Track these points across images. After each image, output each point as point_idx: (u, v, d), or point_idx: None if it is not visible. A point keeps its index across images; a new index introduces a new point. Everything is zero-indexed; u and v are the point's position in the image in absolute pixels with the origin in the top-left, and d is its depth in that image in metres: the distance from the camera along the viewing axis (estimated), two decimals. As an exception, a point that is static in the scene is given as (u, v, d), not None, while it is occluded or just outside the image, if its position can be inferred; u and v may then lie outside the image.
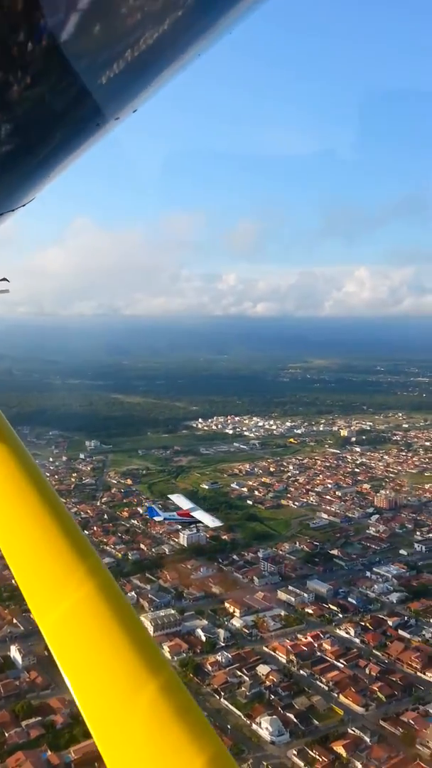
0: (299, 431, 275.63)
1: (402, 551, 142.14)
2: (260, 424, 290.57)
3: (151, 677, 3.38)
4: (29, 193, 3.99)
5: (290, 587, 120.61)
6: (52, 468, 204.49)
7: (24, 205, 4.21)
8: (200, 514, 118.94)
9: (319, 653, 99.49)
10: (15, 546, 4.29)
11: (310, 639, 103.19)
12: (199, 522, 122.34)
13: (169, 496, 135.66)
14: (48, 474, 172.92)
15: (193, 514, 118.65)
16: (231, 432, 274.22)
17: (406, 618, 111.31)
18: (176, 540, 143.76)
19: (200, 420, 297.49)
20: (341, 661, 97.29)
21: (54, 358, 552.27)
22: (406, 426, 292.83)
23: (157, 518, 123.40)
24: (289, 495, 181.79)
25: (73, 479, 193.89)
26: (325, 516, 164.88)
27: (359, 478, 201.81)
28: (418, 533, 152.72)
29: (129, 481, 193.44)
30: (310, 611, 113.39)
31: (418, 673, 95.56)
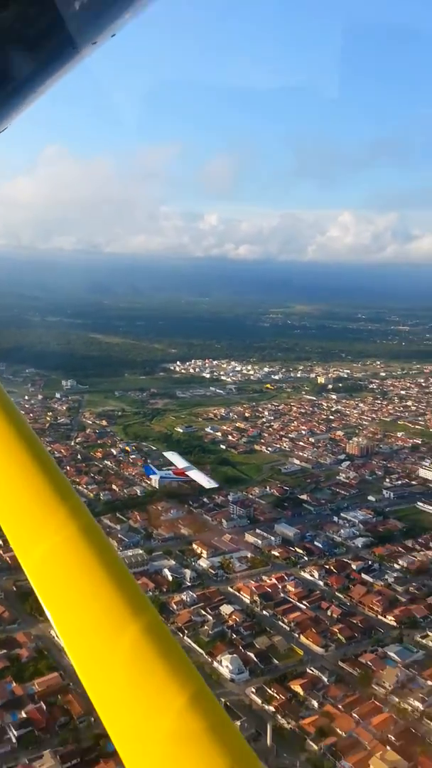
0: (277, 377, 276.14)
1: (370, 497, 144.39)
2: (238, 368, 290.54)
3: (134, 618, 3.47)
4: (3, 121, 3.88)
5: (258, 530, 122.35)
6: (27, 406, 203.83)
7: None
8: (195, 474, 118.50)
9: (282, 594, 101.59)
10: None
11: (274, 581, 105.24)
12: (194, 481, 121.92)
13: (164, 453, 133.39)
14: (23, 412, 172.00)
15: (188, 473, 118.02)
16: (208, 376, 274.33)
17: (370, 562, 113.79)
18: (148, 482, 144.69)
19: (178, 363, 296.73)
20: (304, 602, 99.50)
21: (33, 294, 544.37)
22: (383, 374, 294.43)
23: (153, 476, 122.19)
24: (262, 440, 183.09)
25: (48, 418, 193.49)
26: (297, 462, 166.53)
27: (333, 425, 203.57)
28: (387, 480, 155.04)
29: (104, 422, 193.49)
30: (277, 554, 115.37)
31: (379, 617, 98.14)
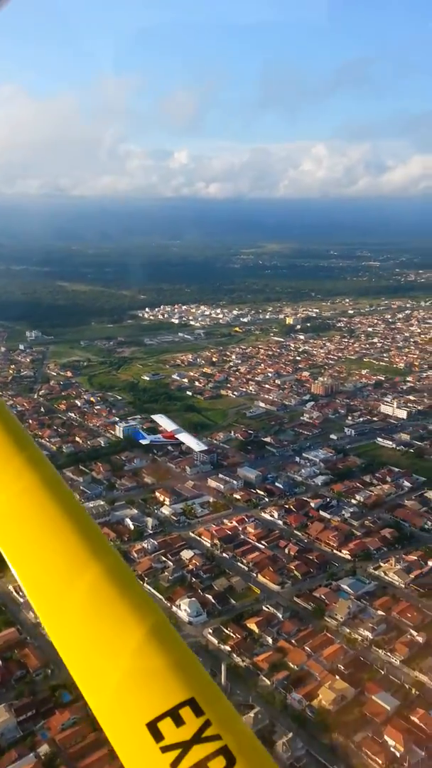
0: (245, 320, 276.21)
1: (333, 436, 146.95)
2: (207, 313, 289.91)
3: (95, 560, 3.67)
4: None
5: (221, 475, 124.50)
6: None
7: None
8: (185, 437, 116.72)
9: (242, 536, 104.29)
10: None
11: (234, 523, 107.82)
12: (183, 444, 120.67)
13: (152, 417, 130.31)
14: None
15: (177, 436, 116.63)
16: (177, 321, 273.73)
17: (328, 499, 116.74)
18: (113, 432, 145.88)
19: (147, 309, 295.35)
20: (263, 542, 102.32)
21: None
22: (352, 312, 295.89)
23: (143, 441, 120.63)
24: (229, 385, 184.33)
25: (11, 371, 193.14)
26: (262, 405, 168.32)
27: (300, 366, 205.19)
28: (349, 418, 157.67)
29: (69, 373, 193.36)
30: (238, 497, 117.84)
31: (335, 551, 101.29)
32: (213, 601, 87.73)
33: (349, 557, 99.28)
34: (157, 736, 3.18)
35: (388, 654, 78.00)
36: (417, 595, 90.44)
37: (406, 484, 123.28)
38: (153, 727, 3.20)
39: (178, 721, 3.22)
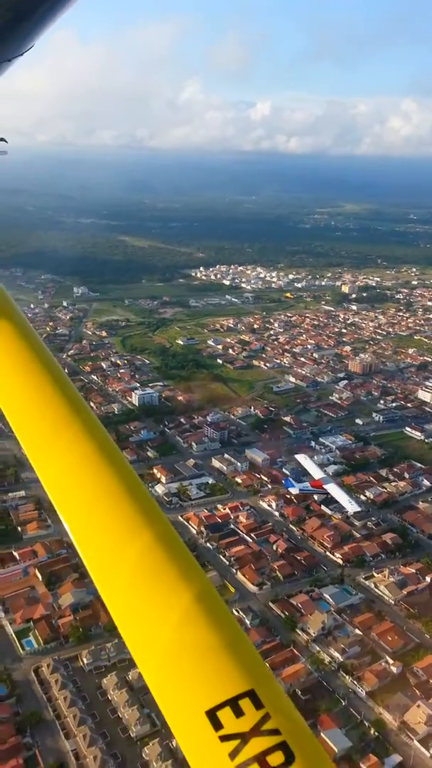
0: (300, 285, 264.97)
1: (358, 420, 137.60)
2: (262, 275, 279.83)
3: (146, 527, 3.89)
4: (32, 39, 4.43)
5: (226, 455, 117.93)
6: (30, 315, 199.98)
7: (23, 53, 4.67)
8: (335, 490, 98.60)
9: (232, 526, 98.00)
10: (15, 407, 4.71)
11: (227, 510, 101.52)
12: (328, 494, 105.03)
13: (295, 456, 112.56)
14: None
15: (326, 487, 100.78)
16: (228, 283, 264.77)
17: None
18: (129, 399, 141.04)
19: (201, 269, 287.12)
20: (252, 535, 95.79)
21: (71, 194, 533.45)
22: (415, 283, 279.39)
23: (292, 490, 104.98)
24: (264, 355, 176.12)
25: (48, 329, 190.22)
26: (292, 380, 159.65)
27: (344, 339, 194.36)
28: (381, 402, 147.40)
29: (104, 333, 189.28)
30: (240, 480, 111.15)
31: (327, 553, 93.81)
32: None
33: (341, 561, 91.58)
34: (217, 724, 3.21)
35: (355, 682, 70.74)
36: (405, 614, 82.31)
37: (426, 482, 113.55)
38: (212, 716, 3.24)
39: (238, 712, 3.24)
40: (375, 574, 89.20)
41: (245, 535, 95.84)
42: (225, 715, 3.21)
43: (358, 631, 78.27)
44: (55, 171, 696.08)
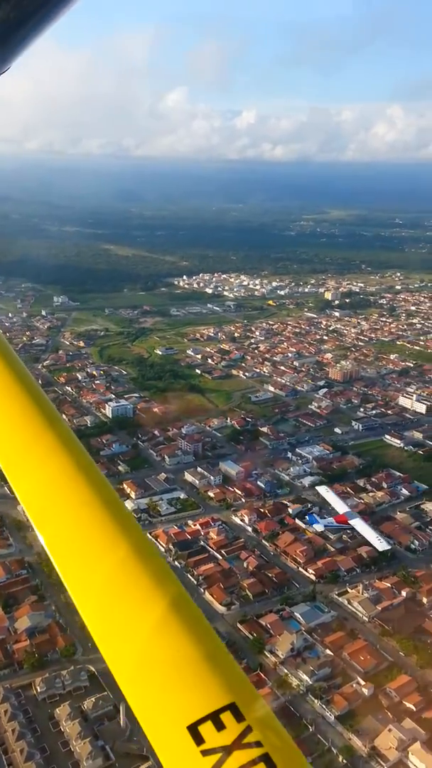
0: (282, 292, 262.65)
1: (337, 429, 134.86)
2: (245, 283, 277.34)
3: (122, 537, 3.81)
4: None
5: (199, 468, 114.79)
6: (7, 325, 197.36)
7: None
8: (361, 526, 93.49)
9: (202, 543, 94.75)
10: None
11: (198, 527, 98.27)
12: (354, 530, 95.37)
13: (317, 488, 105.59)
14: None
15: (351, 522, 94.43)
16: (211, 291, 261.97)
17: (309, 505, 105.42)
18: (103, 411, 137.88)
19: (184, 277, 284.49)
20: (222, 551, 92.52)
21: (59, 203, 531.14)
22: (399, 287, 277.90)
23: (316, 526, 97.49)
24: (243, 364, 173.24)
25: (24, 338, 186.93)
26: (271, 389, 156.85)
27: (325, 346, 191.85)
28: (361, 410, 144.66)
29: (81, 344, 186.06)
30: (212, 495, 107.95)
31: (300, 569, 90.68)
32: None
33: (313, 577, 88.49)
34: (198, 739, 3.17)
35: (324, 706, 67.53)
36: (379, 632, 79.25)
37: (404, 491, 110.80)
38: (194, 730, 3.20)
39: (219, 726, 3.20)
40: (349, 590, 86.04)
41: (215, 552, 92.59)
42: (206, 729, 3.13)
43: (329, 652, 75.09)
44: (44, 179, 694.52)
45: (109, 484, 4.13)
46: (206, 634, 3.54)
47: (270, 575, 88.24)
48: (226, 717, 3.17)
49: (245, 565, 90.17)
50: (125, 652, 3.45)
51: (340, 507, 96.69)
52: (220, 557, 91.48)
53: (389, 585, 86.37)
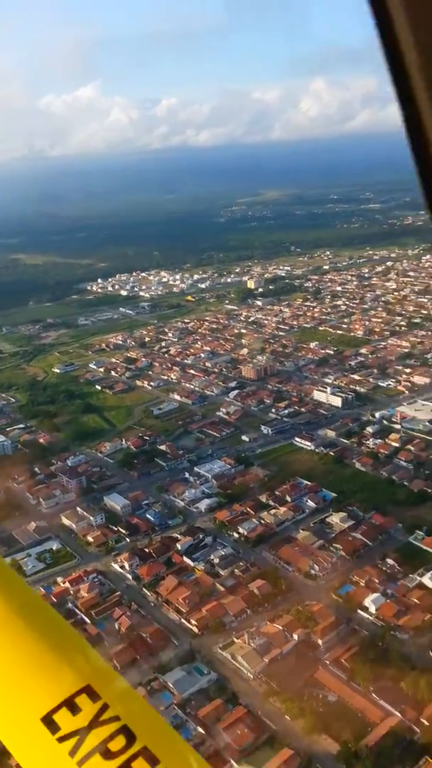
0: (203, 286, 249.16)
1: (245, 437, 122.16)
2: (165, 279, 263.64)
3: None
4: None
5: (79, 508, 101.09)
6: None
7: None
8: None
9: (69, 605, 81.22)
10: None
11: (67, 584, 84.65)
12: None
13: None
14: None
15: None
16: (126, 294, 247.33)
17: (201, 536, 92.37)
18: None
19: (99, 281, 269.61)
20: (91, 613, 79.23)
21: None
22: (327, 267, 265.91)
23: None
24: (150, 373, 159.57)
25: None
26: (177, 398, 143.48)
27: (243, 340, 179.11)
28: (274, 410, 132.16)
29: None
30: (92, 539, 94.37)
31: (182, 620, 77.69)
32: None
33: (196, 629, 75.72)
34: (53, 728, 3.16)
35: None
36: (264, 691, 66.79)
37: (310, 503, 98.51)
38: (49, 720, 3.18)
39: (75, 710, 3.19)
40: (235, 640, 73.47)
41: (84, 616, 79.22)
42: (61, 716, 3.13)
43: (201, 729, 62.50)
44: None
45: None
46: (53, 623, 3.46)
47: (144, 636, 75.18)
48: (81, 700, 3.16)
49: (117, 626, 77.00)
50: None
51: None
52: (89, 621, 78.15)
53: (280, 627, 73.91)
